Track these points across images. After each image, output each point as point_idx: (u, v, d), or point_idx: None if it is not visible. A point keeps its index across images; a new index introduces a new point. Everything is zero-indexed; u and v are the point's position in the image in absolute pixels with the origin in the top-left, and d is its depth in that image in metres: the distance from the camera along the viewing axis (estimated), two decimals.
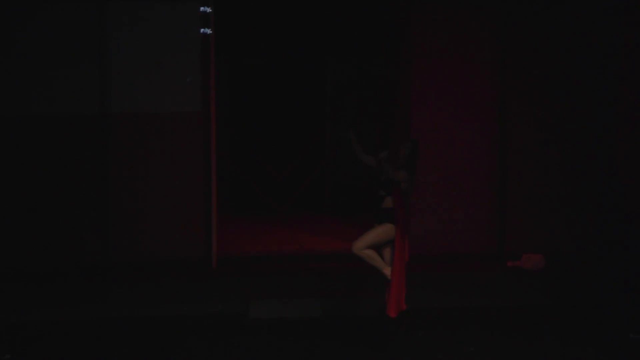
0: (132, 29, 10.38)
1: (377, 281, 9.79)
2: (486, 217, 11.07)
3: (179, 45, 10.51)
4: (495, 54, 10.90)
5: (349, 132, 8.36)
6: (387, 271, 8.24)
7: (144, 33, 10.40)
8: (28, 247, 10.28)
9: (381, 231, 8.18)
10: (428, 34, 10.75)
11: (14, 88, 10.24)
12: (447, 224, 10.84)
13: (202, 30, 10.49)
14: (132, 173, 10.50)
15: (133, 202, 10.49)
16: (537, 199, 11.09)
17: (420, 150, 8.25)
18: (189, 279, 10.19)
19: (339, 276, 10.27)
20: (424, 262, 10.70)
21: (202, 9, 10.50)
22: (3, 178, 10.29)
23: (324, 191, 14.30)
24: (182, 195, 10.60)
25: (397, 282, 8.15)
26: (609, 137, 11.01)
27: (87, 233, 10.39)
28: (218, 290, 10.03)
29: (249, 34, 13.50)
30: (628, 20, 10.78)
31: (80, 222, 10.38)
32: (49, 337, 8.98)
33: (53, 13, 10.23)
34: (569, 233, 11.13)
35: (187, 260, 10.58)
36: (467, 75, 10.93)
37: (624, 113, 10.89)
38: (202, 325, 9.41)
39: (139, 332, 9.20)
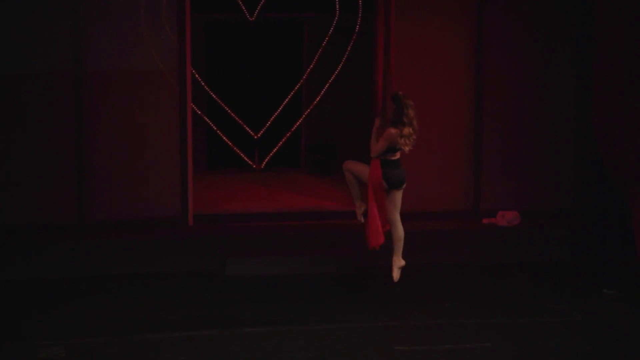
0: None
1: (353, 238, 9.85)
2: (462, 174, 11.09)
3: (154, 1, 10.39)
4: (471, 11, 10.88)
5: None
6: (358, 205, 8.79)
7: None
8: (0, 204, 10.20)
9: (363, 166, 8.61)
10: None
11: None
12: (423, 182, 10.83)
13: None
14: (106, 131, 10.40)
15: (108, 161, 10.41)
16: (513, 157, 11.12)
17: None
18: (165, 237, 10.17)
19: (315, 234, 10.30)
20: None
21: None
22: None
23: (300, 149, 14.27)
24: (157, 154, 10.53)
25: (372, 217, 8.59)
26: (585, 97, 11.01)
27: (62, 191, 10.32)
28: (194, 248, 10.03)
29: None
30: None
31: (54, 180, 10.30)
32: (23, 295, 8.97)
33: None
34: (544, 191, 11.17)
35: (163, 218, 10.54)
36: (444, 35, 10.90)
37: (600, 70, 10.88)
38: (178, 283, 9.43)
39: (114, 289, 9.21)
